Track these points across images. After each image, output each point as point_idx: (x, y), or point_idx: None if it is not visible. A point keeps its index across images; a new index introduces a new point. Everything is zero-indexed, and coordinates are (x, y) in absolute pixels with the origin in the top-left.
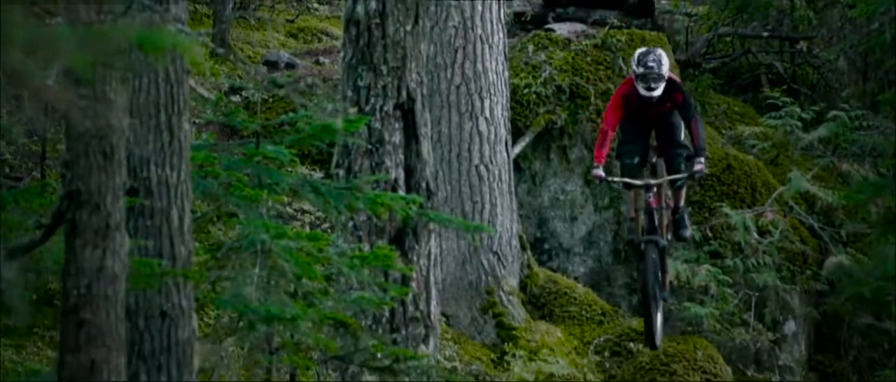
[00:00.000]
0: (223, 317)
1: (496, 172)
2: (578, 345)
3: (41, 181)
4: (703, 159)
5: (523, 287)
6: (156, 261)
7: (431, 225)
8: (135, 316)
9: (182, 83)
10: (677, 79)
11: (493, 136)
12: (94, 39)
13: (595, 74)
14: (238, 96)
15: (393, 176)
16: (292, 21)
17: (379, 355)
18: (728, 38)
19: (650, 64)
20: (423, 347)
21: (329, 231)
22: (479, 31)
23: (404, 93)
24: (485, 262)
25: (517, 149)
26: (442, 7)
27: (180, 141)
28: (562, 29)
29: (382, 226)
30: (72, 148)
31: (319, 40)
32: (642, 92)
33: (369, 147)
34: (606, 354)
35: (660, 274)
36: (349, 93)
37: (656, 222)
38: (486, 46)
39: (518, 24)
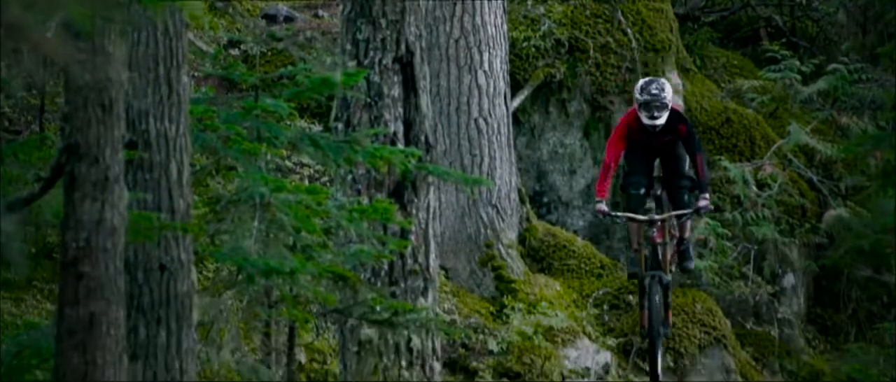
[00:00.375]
0: (222, 270)
1: (495, 125)
2: (577, 298)
3: (40, 134)
4: (707, 195)
5: (522, 240)
6: (155, 214)
7: (430, 179)
8: (134, 269)
9: (181, 36)
10: (681, 108)
11: (491, 89)
12: None
13: (594, 28)
14: (237, 50)
15: (392, 129)
16: None
17: (378, 308)
18: None
19: (653, 91)
20: (421, 300)
21: (328, 184)
22: None
23: (403, 47)
24: (484, 215)
25: (516, 102)
26: None
27: (179, 94)
28: None
29: (381, 180)
30: (71, 101)
31: None
32: (645, 121)
33: (368, 100)
34: (605, 307)
35: (663, 310)
36: (348, 47)
37: (660, 256)
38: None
39: None
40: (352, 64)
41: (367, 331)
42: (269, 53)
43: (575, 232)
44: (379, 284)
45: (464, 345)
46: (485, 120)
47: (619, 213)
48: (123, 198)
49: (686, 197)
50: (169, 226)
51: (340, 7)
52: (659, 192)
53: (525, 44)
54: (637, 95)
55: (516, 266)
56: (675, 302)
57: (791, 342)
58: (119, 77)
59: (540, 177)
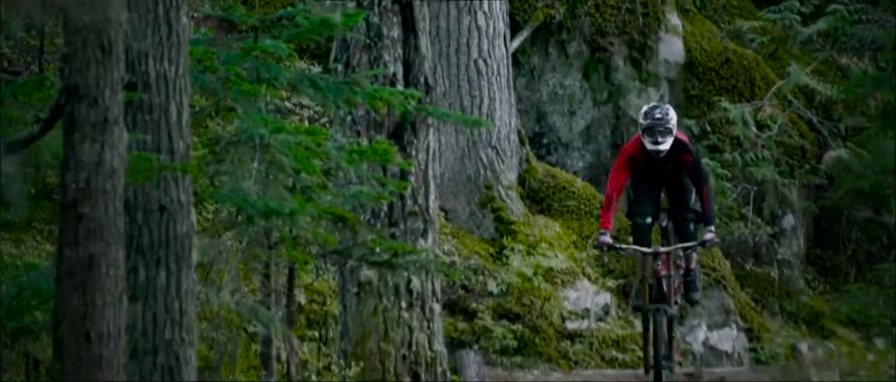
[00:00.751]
0: (221, 211)
1: (495, 66)
2: (577, 239)
3: (39, 75)
4: (713, 228)
5: (522, 181)
6: (154, 156)
7: (430, 120)
8: (133, 211)
9: None
10: (686, 139)
11: (491, 30)
12: None
13: None
14: None
15: (391, 70)
16: None
17: (377, 249)
18: None
19: (657, 116)
20: (421, 241)
21: (327, 125)
22: None
23: None
24: (483, 157)
25: (515, 43)
26: None
27: (178, 35)
28: None
29: (381, 121)
30: (70, 42)
31: None
32: (649, 146)
33: (368, 41)
34: (604, 248)
35: (667, 343)
36: None
37: (664, 289)
38: None
39: None
40: (351, 5)
41: (367, 272)
42: None
43: (574, 173)
44: (378, 225)
45: (463, 287)
46: (484, 61)
47: (623, 245)
48: (123, 140)
49: (691, 228)
50: (168, 167)
51: None
52: (664, 224)
53: None
54: (640, 120)
55: (516, 207)
56: None
57: (791, 283)
58: (118, 18)
59: (539, 119)
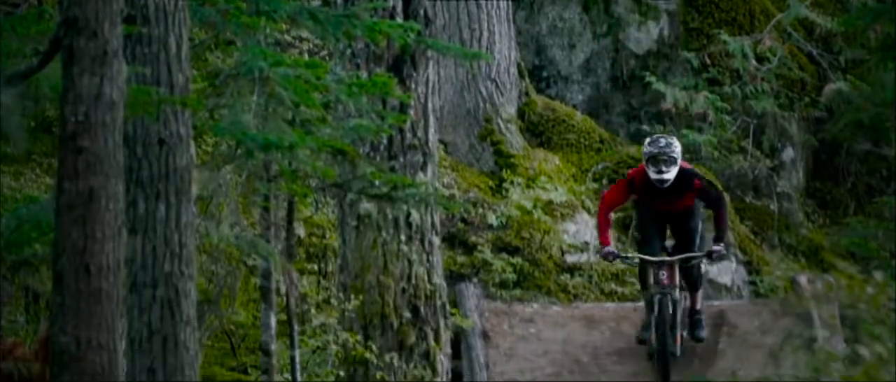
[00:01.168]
0: (221, 145)
1: None
2: (576, 172)
3: (38, 7)
4: (722, 243)
5: (521, 114)
6: (154, 89)
7: (429, 53)
8: (133, 144)
9: None
10: (691, 167)
11: None
12: None
13: None
14: None
15: (391, 2)
16: None
17: (377, 182)
18: None
19: (661, 144)
20: (421, 174)
21: (327, 58)
22: None
23: None
24: (483, 90)
25: None
26: None
27: None
28: None
29: (380, 54)
30: None
31: None
32: (653, 175)
33: None
34: (604, 181)
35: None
36: None
37: (669, 324)
38: None
39: None
40: None
41: (366, 206)
42: None
43: (574, 106)
44: (378, 158)
45: (463, 220)
46: None
47: (629, 254)
48: (122, 72)
49: (695, 273)
50: (168, 100)
51: None
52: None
53: None
54: (644, 149)
55: (515, 140)
56: None
57: (790, 216)
58: None
59: (539, 52)
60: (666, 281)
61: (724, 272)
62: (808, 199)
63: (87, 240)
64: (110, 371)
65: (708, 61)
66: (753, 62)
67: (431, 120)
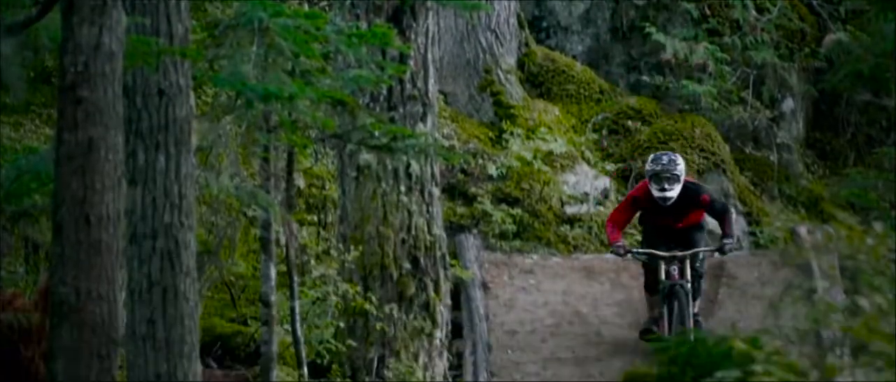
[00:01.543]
0: (221, 95)
1: None
2: (576, 123)
3: None
4: (731, 239)
5: (521, 65)
6: (153, 39)
7: (429, 3)
8: (132, 94)
9: None
10: (696, 182)
11: None
12: None
13: None
14: None
15: None
16: None
17: (376, 133)
18: None
19: (664, 161)
20: (420, 125)
21: (326, 9)
22: None
23: None
24: (483, 40)
25: None
26: None
27: None
28: None
29: (380, 4)
30: None
31: None
32: (656, 194)
33: None
34: (604, 132)
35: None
36: None
37: (683, 302)
38: None
39: None
40: None
41: (366, 156)
42: None
43: (574, 56)
44: (378, 109)
45: (463, 171)
46: None
47: (640, 250)
48: (121, 23)
49: (701, 270)
50: (167, 51)
51: None
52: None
53: None
54: (647, 166)
55: (515, 91)
56: (673, 128)
57: (790, 166)
58: None
59: (539, 2)
60: (677, 276)
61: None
62: (807, 150)
63: (86, 191)
64: (110, 321)
65: (708, 12)
66: (753, 13)
67: (431, 70)
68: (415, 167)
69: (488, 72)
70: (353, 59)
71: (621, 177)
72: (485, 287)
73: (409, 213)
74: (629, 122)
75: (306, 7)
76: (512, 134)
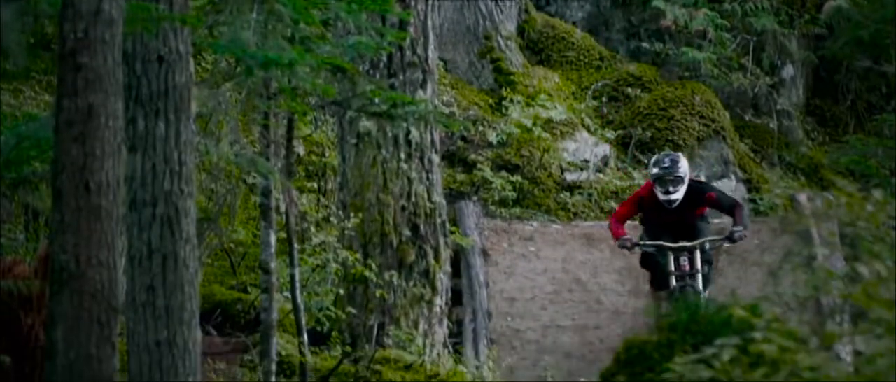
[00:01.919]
0: (220, 62)
1: None
2: (576, 90)
3: None
4: (741, 227)
5: (521, 32)
6: (153, 5)
7: None
8: (132, 61)
9: None
10: (702, 180)
11: None
12: None
13: None
14: None
15: None
16: None
17: (376, 100)
18: None
19: (666, 164)
20: (420, 92)
21: None
22: None
23: None
24: (483, 7)
25: None
26: None
27: None
28: None
29: None
30: None
31: None
32: (661, 196)
33: None
34: (604, 99)
35: None
36: None
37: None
38: None
39: None
40: None
41: (366, 123)
42: None
43: (574, 23)
44: (378, 76)
45: (462, 137)
46: None
47: (647, 242)
48: None
49: (710, 260)
50: (167, 17)
51: None
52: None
53: None
54: (650, 169)
55: (515, 58)
56: (673, 95)
57: (790, 133)
58: None
59: None
60: (687, 267)
61: (724, 189)
62: (807, 117)
63: (86, 158)
64: (110, 288)
65: None
66: None
67: (431, 37)
68: (415, 134)
69: (488, 38)
70: (353, 26)
71: (621, 144)
72: (485, 254)
73: (409, 180)
74: (629, 89)
75: None
76: (512, 101)
